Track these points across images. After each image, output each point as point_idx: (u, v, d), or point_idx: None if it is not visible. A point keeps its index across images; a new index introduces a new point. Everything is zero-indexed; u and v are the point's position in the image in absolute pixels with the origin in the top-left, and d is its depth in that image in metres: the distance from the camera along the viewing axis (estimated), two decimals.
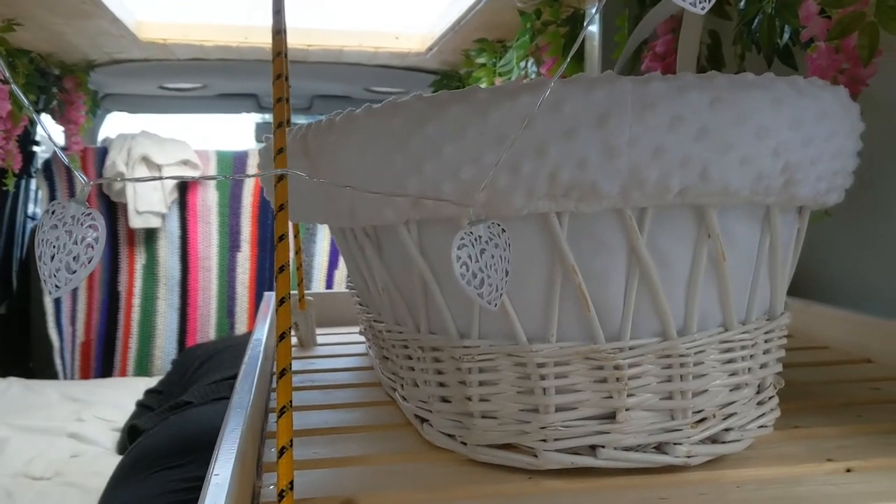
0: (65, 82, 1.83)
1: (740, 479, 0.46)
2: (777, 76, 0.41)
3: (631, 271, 0.43)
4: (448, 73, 1.99)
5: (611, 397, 0.45)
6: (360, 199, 0.45)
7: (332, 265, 1.98)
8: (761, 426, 0.49)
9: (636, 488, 0.45)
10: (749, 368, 0.47)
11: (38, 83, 1.69)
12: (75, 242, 0.31)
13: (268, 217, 1.93)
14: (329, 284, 2.00)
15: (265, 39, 1.74)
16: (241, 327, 1.93)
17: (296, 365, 0.77)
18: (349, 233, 0.54)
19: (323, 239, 1.98)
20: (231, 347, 1.35)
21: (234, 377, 1.17)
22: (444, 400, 0.50)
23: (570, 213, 0.42)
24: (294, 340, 0.87)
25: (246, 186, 1.92)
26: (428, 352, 0.50)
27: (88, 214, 0.31)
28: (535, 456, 0.46)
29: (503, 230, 0.37)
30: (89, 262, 0.31)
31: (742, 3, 0.79)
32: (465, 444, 0.49)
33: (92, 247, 0.31)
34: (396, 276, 0.50)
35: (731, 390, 0.47)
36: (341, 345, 0.85)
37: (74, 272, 0.31)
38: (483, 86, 1.55)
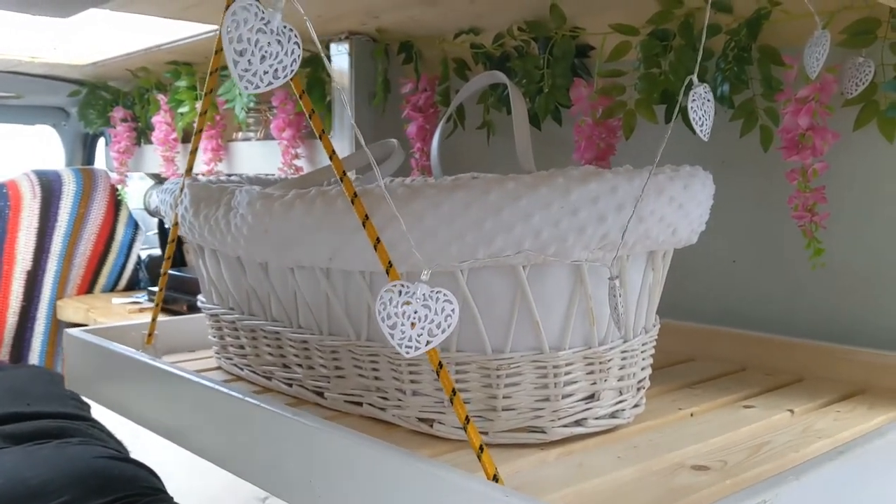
0: None
1: (653, 426, 0.69)
2: (697, 168, 0.65)
3: (611, 294, 0.63)
4: (96, 85, 1.91)
5: (595, 383, 0.64)
6: (440, 254, 0.57)
7: None
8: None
9: (610, 443, 0.65)
10: (650, 356, 0.71)
11: None
12: None
13: None
14: None
15: None
16: None
17: None
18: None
19: None
20: None
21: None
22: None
23: (591, 259, 0.60)
24: None
25: None
26: (452, 366, 0.63)
27: None
28: (544, 432, 0.63)
29: None
30: None
31: (524, 83, 1.03)
32: (484, 433, 0.64)
33: None
34: None
35: (642, 370, 0.70)
36: (205, 371, 0.88)
37: None
38: (185, 109, 1.58)
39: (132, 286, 2.08)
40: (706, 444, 0.65)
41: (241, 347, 0.84)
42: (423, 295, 0.42)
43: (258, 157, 1.50)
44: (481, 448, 0.50)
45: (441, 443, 0.64)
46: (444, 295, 0.43)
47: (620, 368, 0.66)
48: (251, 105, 1.42)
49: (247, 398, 0.65)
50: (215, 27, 1.33)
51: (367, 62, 1.24)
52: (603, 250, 0.59)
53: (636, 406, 0.69)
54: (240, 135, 1.56)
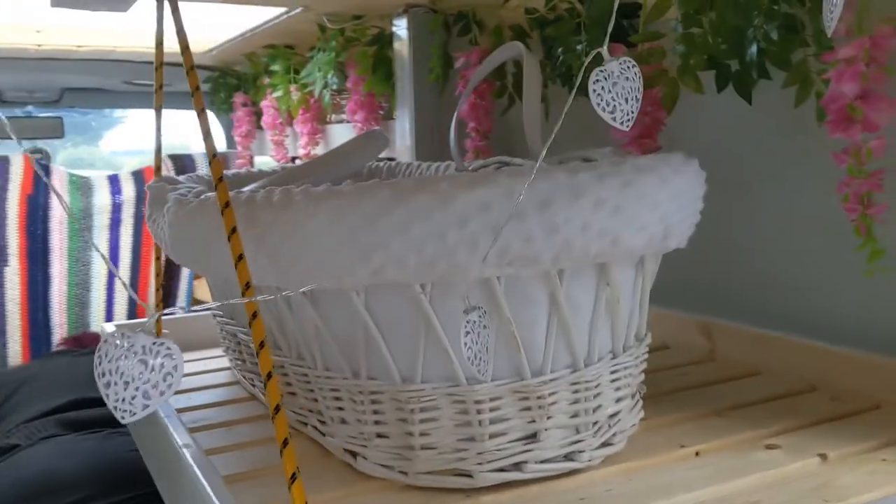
0: None
1: (627, 470, 0.57)
2: (661, 158, 0.52)
3: (551, 318, 0.52)
4: (224, 71, 1.97)
5: (534, 421, 0.54)
6: (320, 269, 0.49)
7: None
8: (632, 425, 0.61)
9: (556, 493, 0.54)
10: (629, 384, 0.58)
11: None
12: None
13: (37, 228, 1.79)
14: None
15: None
16: (14, 348, 1.79)
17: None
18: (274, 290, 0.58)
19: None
20: (37, 378, 1.27)
21: (56, 411, 1.12)
22: (381, 436, 0.56)
23: (507, 276, 0.50)
24: None
25: (11, 194, 1.77)
26: (366, 395, 0.55)
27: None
28: (471, 477, 0.54)
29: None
30: None
31: (560, 51, 0.91)
32: (404, 473, 0.55)
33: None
34: (334, 330, 0.55)
35: (616, 401, 0.58)
36: (204, 373, 0.86)
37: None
38: (279, 93, 1.58)
39: None
40: (673, 500, 0.52)
41: (232, 350, 0.80)
42: (142, 347, 0.35)
43: (347, 138, 1.46)
44: None
45: (362, 480, 0.57)
46: (167, 349, 0.36)
47: (572, 403, 0.55)
48: (334, 88, 1.38)
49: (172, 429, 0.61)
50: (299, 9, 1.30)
51: (428, 36, 1.16)
52: (513, 266, 0.48)
53: (606, 445, 0.58)
54: (334, 117, 1.53)
